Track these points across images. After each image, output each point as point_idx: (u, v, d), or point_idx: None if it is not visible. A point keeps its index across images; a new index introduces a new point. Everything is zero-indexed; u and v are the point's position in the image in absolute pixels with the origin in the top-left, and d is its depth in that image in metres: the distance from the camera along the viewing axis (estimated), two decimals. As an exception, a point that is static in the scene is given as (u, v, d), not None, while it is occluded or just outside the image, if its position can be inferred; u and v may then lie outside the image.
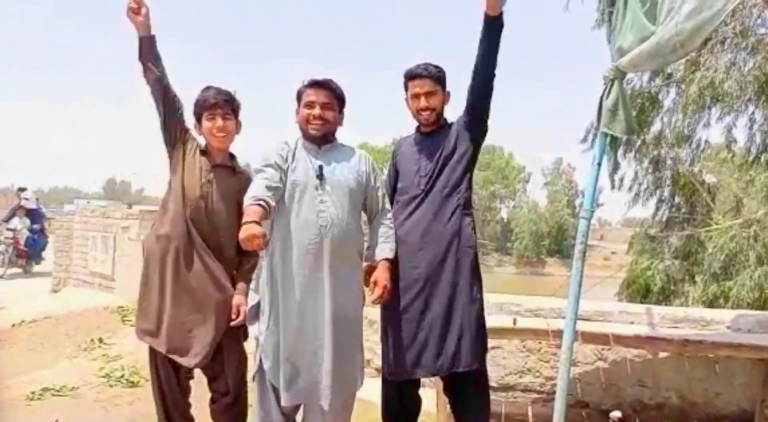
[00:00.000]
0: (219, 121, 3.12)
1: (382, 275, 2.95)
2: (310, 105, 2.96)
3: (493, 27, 2.89)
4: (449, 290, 2.99)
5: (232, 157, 3.29)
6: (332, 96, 3.00)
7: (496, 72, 3.00)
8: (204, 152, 3.20)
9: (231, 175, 3.22)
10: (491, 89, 3.04)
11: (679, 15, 2.44)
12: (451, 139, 3.13)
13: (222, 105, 3.11)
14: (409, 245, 3.06)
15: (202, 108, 3.13)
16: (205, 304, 3.06)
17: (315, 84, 2.99)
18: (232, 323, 3.06)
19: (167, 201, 3.18)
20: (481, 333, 3.03)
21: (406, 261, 3.06)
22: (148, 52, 3.03)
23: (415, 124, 3.28)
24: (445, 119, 3.24)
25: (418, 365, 2.99)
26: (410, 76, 3.15)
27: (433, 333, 2.97)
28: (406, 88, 3.20)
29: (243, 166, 3.34)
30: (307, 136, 2.99)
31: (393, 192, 3.28)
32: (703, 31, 2.43)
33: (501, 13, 2.87)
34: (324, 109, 2.96)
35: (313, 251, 2.83)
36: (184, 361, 3.08)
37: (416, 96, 3.13)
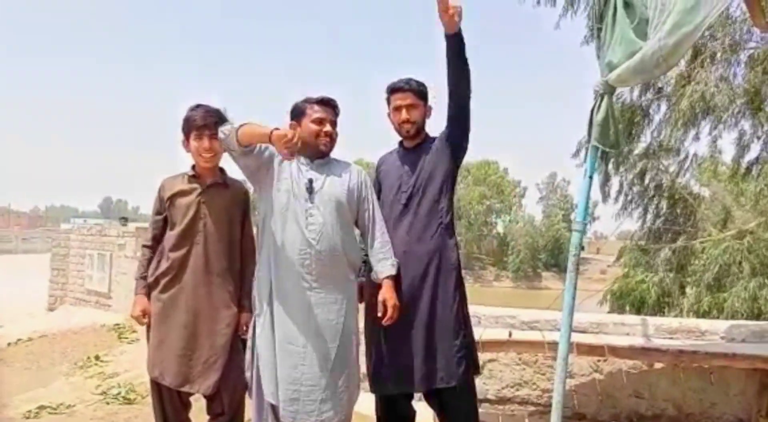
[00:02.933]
0: (206, 142, 3.12)
1: (389, 295, 2.92)
2: (320, 122, 2.98)
3: (454, 44, 2.94)
4: (430, 307, 3.01)
5: (222, 171, 3.30)
6: (336, 114, 3.07)
7: (471, 87, 3.04)
8: (193, 176, 3.22)
9: (224, 190, 3.24)
10: (468, 106, 3.08)
11: (662, 31, 2.51)
12: (432, 156, 3.16)
13: (210, 126, 3.10)
14: None
15: (190, 127, 3.14)
16: (213, 329, 3.08)
17: (325, 102, 3.02)
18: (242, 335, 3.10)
19: (164, 239, 3.22)
20: (462, 350, 3.01)
21: None
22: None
23: (398, 139, 3.31)
24: (427, 134, 3.27)
25: (396, 381, 3.02)
26: (392, 90, 3.18)
27: (412, 350, 2.99)
28: (389, 102, 3.23)
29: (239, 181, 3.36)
30: (309, 151, 3.01)
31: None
32: (684, 45, 2.50)
33: (459, 31, 2.90)
34: (333, 126, 3.02)
35: (301, 263, 2.85)
36: (198, 391, 3.10)
37: (398, 109, 3.16)
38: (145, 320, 3.18)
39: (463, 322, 3.07)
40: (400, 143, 3.31)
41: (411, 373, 2.99)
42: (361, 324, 3.14)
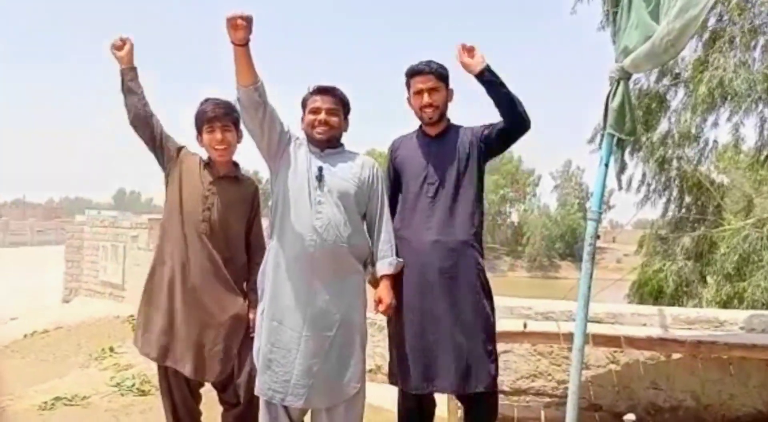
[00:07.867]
0: (218, 134, 3.12)
1: (384, 293, 2.94)
2: (315, 111, 2.98)
3: (484, 83, 2.92)
4: (457, 305, 2.95)
5: (236, 165, 3.29)
6: (337, 102, 3.03)
7: (527, 117, 3.00)
8: (207, 164, 3.21)
9: (235, 184, 3.24)
10: (524, 130, 3.03)
11: (670, 15, 2.48)
12: (463, 147, 3.08)
13: (221, 117, 3.11)
14: (417, 253, 3.01)
15: (201, 121, 3.14)
16: (218, 319, 3.07)
17: (321, 90, 3.02)
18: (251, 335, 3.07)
19: (166, 220, 3.20)
20: (490, 352, 2.97)
21: (414, 269, 3.00)
22: (131, 83, 3.13)
23: (417, 124, 3.23)
24: (449, 120, 3.19)
25: (428, 380, 2.96)
26: (412, 73, 3.09)
27: (442, 349, 2.93)
28: (408, 87, 3.14)
29: (249, 174, 3.34)
30: (312, 141, 3.01)
31: (392, 194, 3.21)
32: (690, 28, 2.48)
33: (486, 69, 2.89)
34: (329, 114, 2.99)
35: (305, 251, 2.83)
36: (204, 378, 3.11)
37: (419, 92, 3.06)
38: None
39: (489, 324, 3.02)
40: (421, 129, 3.22)
41: (443, 374, 2.93)
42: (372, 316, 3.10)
